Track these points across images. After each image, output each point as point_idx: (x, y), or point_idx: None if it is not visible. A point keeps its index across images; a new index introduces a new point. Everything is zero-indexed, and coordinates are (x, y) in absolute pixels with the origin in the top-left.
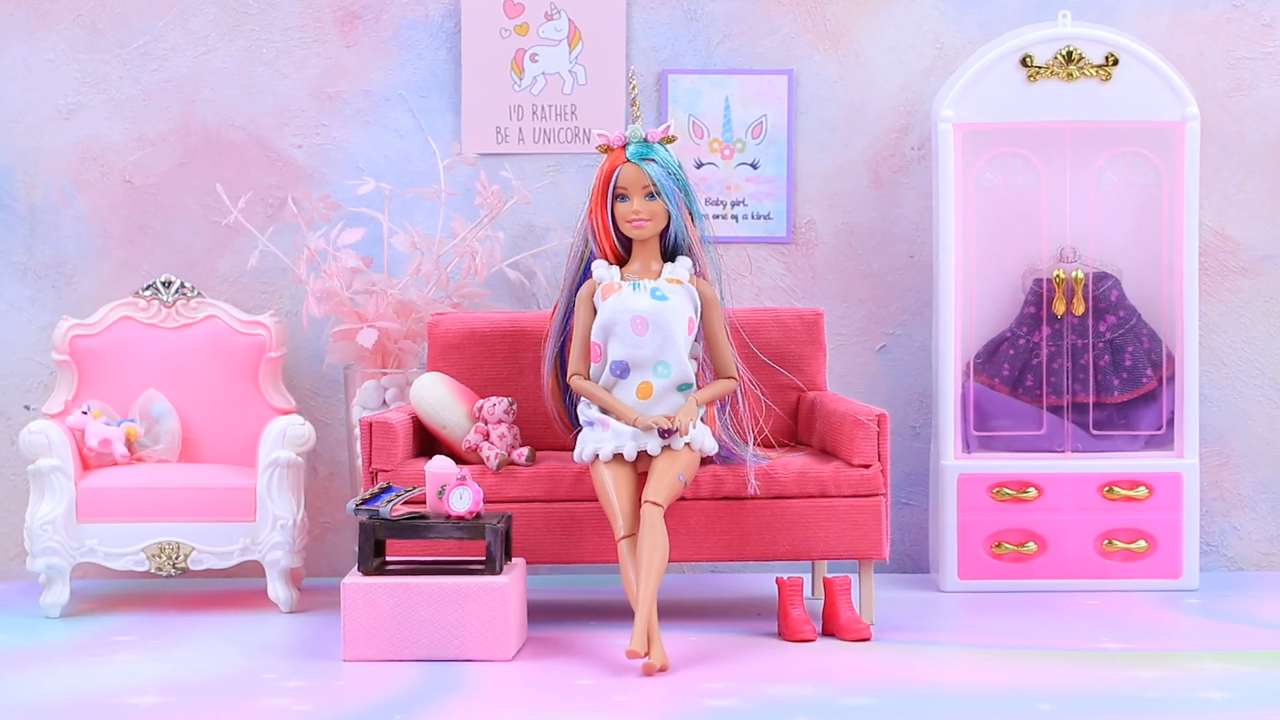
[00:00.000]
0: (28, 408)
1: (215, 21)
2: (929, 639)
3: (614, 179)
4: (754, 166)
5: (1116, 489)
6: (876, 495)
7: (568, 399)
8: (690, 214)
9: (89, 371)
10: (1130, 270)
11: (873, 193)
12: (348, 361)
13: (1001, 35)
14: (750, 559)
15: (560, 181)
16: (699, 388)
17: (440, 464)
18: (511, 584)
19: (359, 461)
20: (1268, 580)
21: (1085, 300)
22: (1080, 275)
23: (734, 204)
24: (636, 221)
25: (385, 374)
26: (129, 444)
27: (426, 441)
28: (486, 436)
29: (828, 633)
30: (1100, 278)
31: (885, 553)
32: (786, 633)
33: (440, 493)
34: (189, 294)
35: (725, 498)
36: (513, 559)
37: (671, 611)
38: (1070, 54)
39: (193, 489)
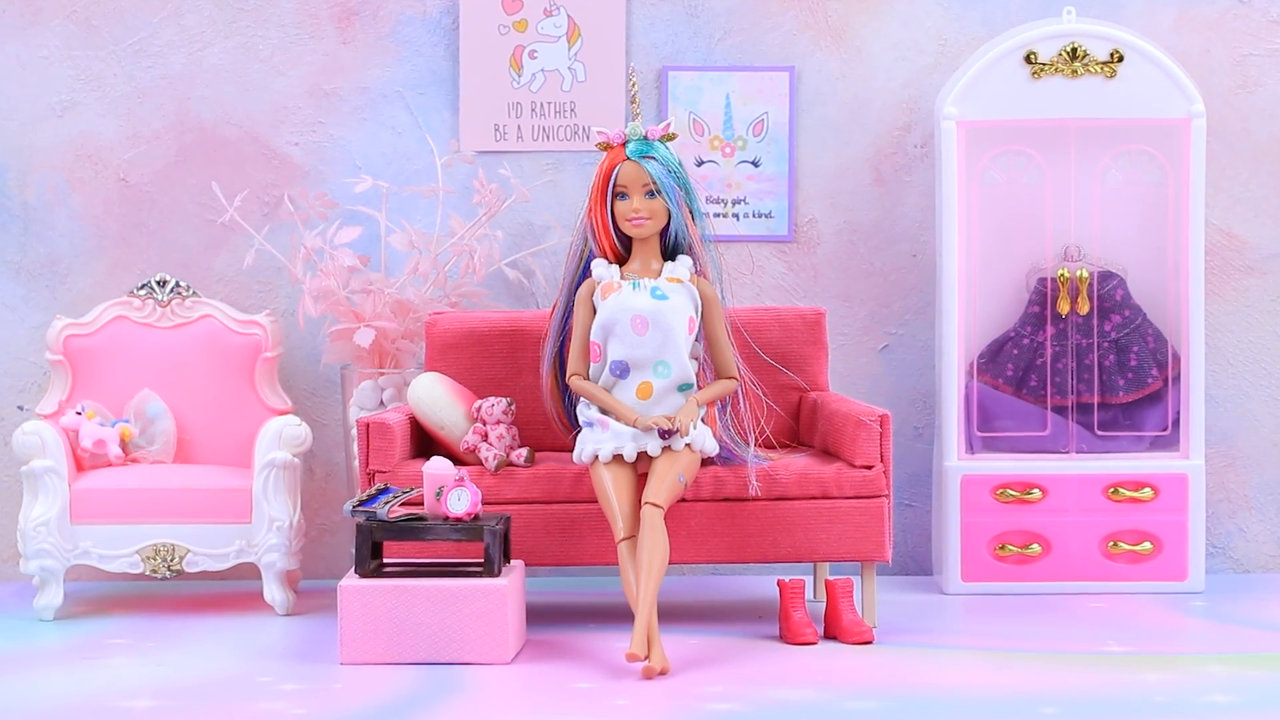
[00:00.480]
0: (21, 408)
1: (211, 18)
2: (932, 642)
3: (614, 177)
4: (755, 164)
5: (1121, 490)
6: (879, 496)
7: (567, 399)
8: (691, 212)
9: (83, 371)
10: (1135, 269)
11: (875, 191)
12: (345, 361)
13: (1005, 32)
14: (751, 561)
15: (559, 179)
16: (699, 388)
17: (438, 465)
18: (510, 586)
19: (356, 463)
20: (1274, 583)
21: (1090, 299)
22: (1085, 274)
23: (735, 202)
24: (636, 220)
25: (382, 374)
26: (123, 445)
27: (424, 442)
28: (485, 437)
29: (830, 636)
30: (1105, 277)
31: (888, 555)
32: (788, 636)
33: (438, 494)
34: (184, 293)
35: (726, 499)
36: (511, 561)
37: (672, 614)
38: (1075, 51)
39: (188, 490)
